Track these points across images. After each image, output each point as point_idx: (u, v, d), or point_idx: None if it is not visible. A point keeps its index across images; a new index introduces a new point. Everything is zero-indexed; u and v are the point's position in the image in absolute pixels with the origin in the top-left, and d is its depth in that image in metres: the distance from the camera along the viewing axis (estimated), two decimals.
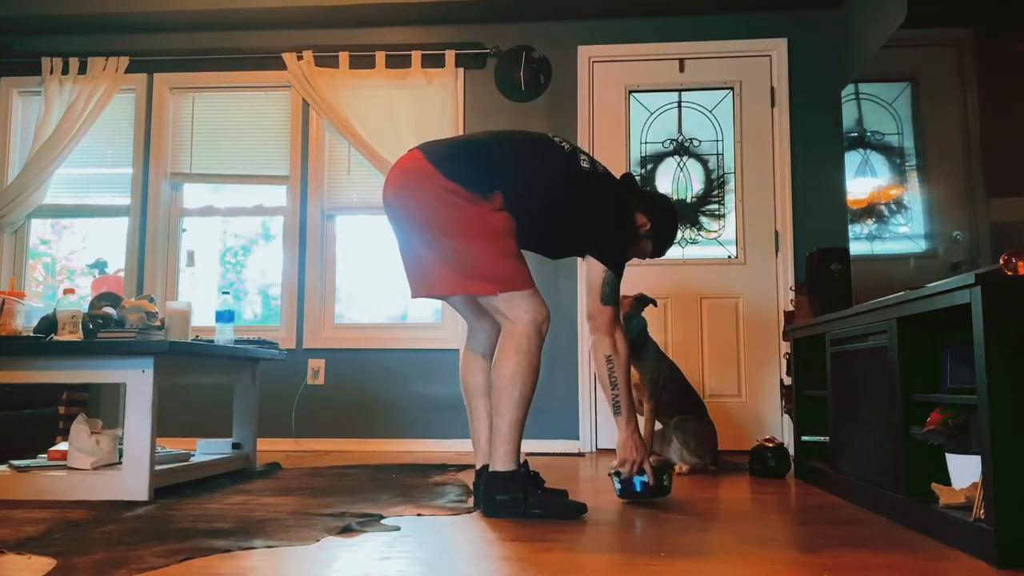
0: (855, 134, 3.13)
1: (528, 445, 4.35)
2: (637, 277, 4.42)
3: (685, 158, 4.51)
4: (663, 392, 3.39)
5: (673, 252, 4.44)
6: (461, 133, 4.55)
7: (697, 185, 4.49)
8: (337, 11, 4.49)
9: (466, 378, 2.53)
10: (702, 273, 4.42)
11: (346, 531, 2.07)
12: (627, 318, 3.36)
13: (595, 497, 2.69)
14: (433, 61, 4.57)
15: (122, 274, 4.64)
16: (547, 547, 1.90)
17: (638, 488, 2.49)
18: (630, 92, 4.56)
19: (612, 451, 4.25)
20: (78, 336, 2.70)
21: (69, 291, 2.77)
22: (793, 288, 4.13)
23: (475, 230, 2.29)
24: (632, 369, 3.36)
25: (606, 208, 2.45)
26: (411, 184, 2.32)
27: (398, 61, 4.57)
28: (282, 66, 4.61)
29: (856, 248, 3.11)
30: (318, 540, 1.96)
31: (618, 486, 2.54)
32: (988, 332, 1.75)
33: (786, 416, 4.15)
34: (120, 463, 2.72)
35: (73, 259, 4.91)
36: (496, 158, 2.38)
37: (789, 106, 4.43)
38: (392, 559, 1.77)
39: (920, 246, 2.51)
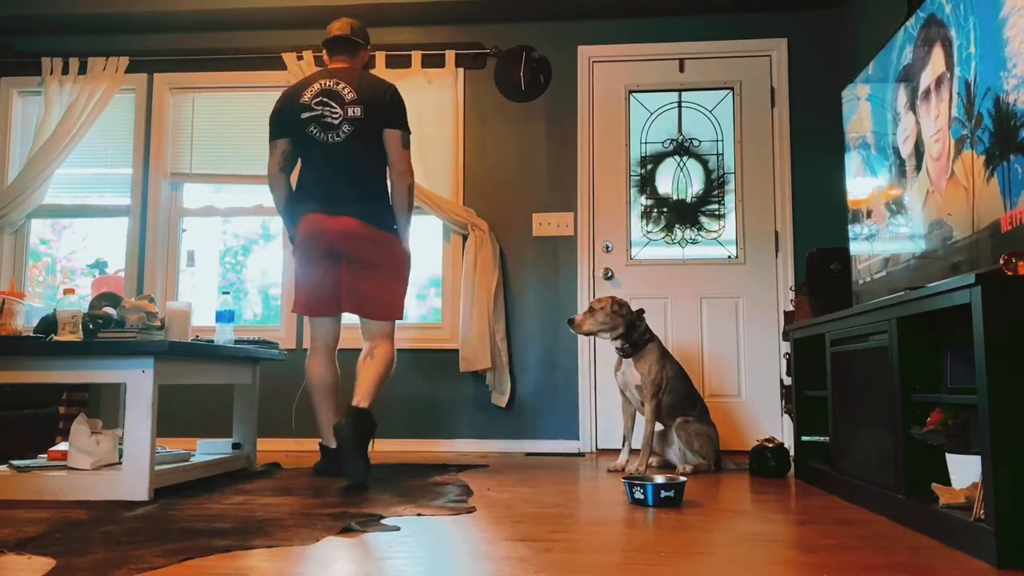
0: (855, 134, 3.13)
1: (528, 445, 4.35)
2: (637, 277, 4.42)
3: (685, 158, 4.50)
4: (665, 394, 3.38)
5: (673, 252, 4.44)
6: (461, 133, 4.56)
7: (697, 185, 4.49)
8: (337, 11, 4.49)
9: (330, 378, 3.26)
10: (702, 273, 4.42)
11: (346, 531, 2.07)
12: (592, 311, 3.40)
13: (596, 497, 2.69)
14: (433, 61, 4.57)
15: (122, 274, 4.64)
16: (547, 547, 1.90)
17: (650, 500, 2.49)
18: (630, 92, 4.56)
19: (612, 451, 4.26)
20: (78, 336, 2.70)
21: (69, 291, 2.76)
22: (793, 288, 4.13)
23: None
24: (633, 371, 3.37)
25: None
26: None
27: (398, 61, 4.57)
28: (282, 66, 4.61)
29: (856, 248, 3.11)
30: (318, 540, 1.96)
31: (629, 493, 2.54)
32: (988, 332, 1.75)
33: (786, 416, 4.15)
34: (120, 463, 2.72)
35: (73, 259, 4.91)
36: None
37: (789, 106, 4.43)
38: (392, 559, 1.77)
39: (920, 246, 2.51)
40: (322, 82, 3.22)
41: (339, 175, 3.15)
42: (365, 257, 3.15)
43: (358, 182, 3.17)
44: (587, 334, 3.45)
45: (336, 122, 3.15)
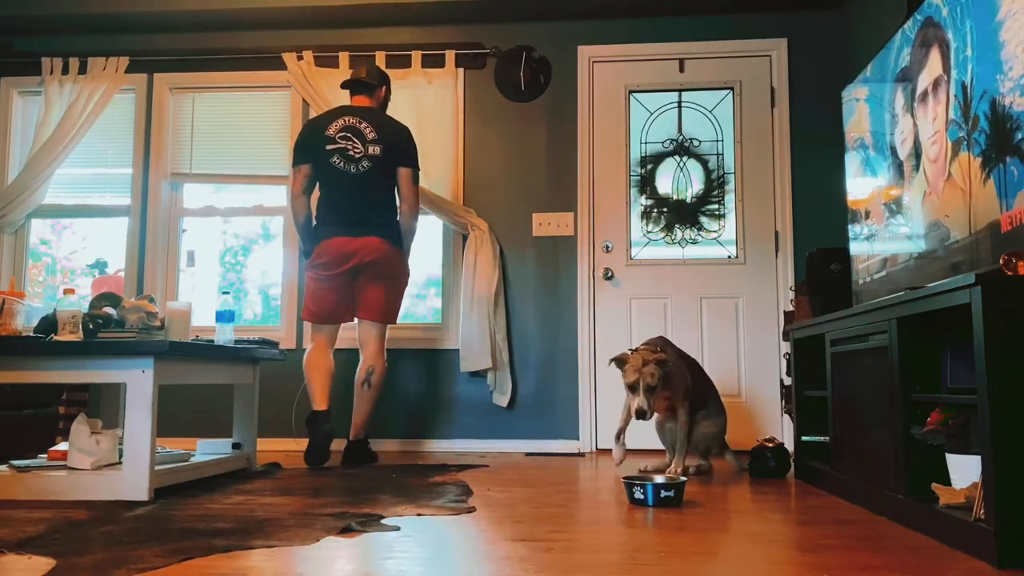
0: (855, 135, 3.13)
1: (528, 445, 4.35)
2: (637, 277, 4.42)
3: (685, 158, 4.51)
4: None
5: (673, 252, 4.44)
6: (461, 133, 4.56)
7: (697, 185, 4.49)
8: (337, 11, 4.49)
9: (328, 363, 3.72)
10: (702, 273, 4.42)
11: (346, 531, 2.07)
12: (651, 388, 3.05)
13: (596, 497, 2.69)
14: (433, 61, 4.57)
15: (122, 274, 4.64)
16: (547, 547, 1.90)
17: (650, 500, 2.49)
18: (630, 92, 4.56)
19: (611, 451, 4.25)
20: (78, 336, 2.70)
21: (69, 291, 2.77)
22: (793, 288, 4.13)
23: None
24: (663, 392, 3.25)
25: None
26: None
27: (398, 61, 4.57)
28: (282, 66, 4.61)
29: (855, 248, 3.11)
30: (318, 540, 1.96)
31: (629, 493, 2.54)
32: (988, 332, 1.75)
33: (786, 416, 4.15)
34: (120, 463, 2.72)
35: (73, 259, 4.91)
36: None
37: (789, 106, 4.43)
38: (392, 559, 1.77)
39: (918, 247, 2.51)
40: (346, 119, 3.65)
41: (360, 202, 3.63)
42: (383, 270, 3.66)
43: (376, 208, 3.66)
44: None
45: (358, 156, 3.61)
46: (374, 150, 3.61)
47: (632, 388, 3.02)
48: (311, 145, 3.65)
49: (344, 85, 3.81)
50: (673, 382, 3.21)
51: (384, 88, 3.83)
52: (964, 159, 2.19)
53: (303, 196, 3.70)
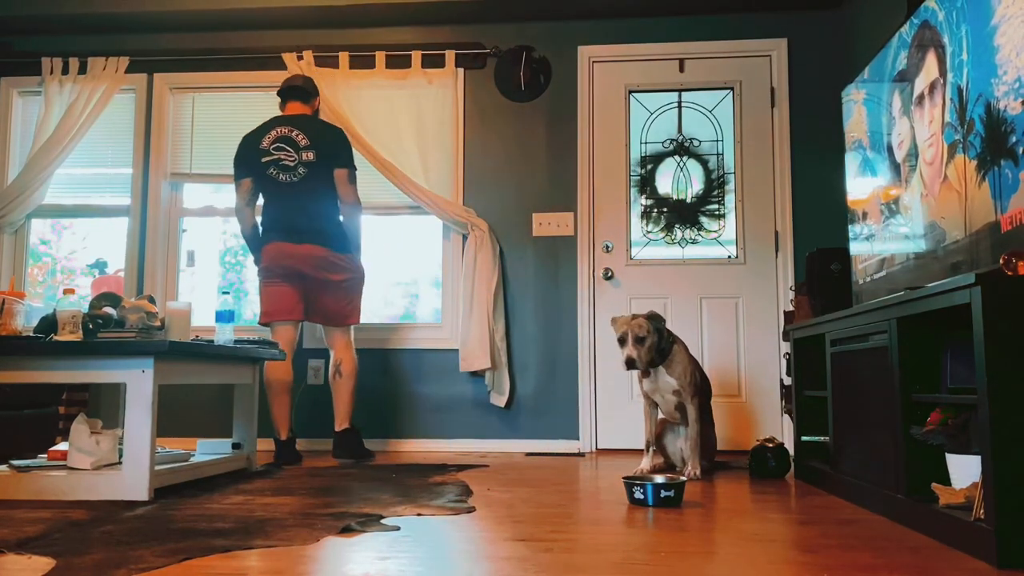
0: (854, 135, 3.13)
1: (529, 445, 4.35)
2: (637, 277, 4.42)
3: (685, 158, 4.50)
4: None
5: (673, 252, 4.44)
6: (461, 133, 4.56)
7: (697, 185, 4.49)
8: (337, 11, 4.49)
9: (286, 377, 3.77)
10: (702, 273, 4.41)
11: (346, 531, 2.07)
12: (640, 340, 3.16)
13: (596, 497, 2.69)
14: (433, 61, 4.57)
15: (122, 274, 4.64)
16: (547, 547, 1.90)
17: (650, 500, 2.49)
18: (630, 92, 4.56)
19: (612, 451, 4.25)
20: (78, 336, 2.70)
21: (69, 291, 2.77)
22: (793, 288, 4.13)
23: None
24: (667, 377, 3.24)
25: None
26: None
27: (398, 61, 4.57)
28: (282, 66, 4.61)
29: (855, 248, 3.11)
30: (318, 540, 1.96)
31: (629, 493, 2.54)
32: (988, 332, 1.75)
33: (786, 416, 4.15)
34: (120, 463, 2.72)
35: (73, 259, 4.91)
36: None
37: (789, 106, 4.43)
38: (392, 559, 1.77)
39: (915, 247, 2.51)
40: (278, 129, 3.76)
41: (298, 209, 3.72)
42: (328, 276, 3.74)
43: (315, 214, 3.74)
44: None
45: (292, 164, 3.72)
46: (307, 156, 3.71)
47: (622, 341, 3.18)
48: (248, 159, 3.79)
49: (279, 93, 3.94)
50: (673, 363, 3.22)
51: (317, 97, 4.01)
52: (960, 162, 2.19)
53: (246, 208, 3.84)
